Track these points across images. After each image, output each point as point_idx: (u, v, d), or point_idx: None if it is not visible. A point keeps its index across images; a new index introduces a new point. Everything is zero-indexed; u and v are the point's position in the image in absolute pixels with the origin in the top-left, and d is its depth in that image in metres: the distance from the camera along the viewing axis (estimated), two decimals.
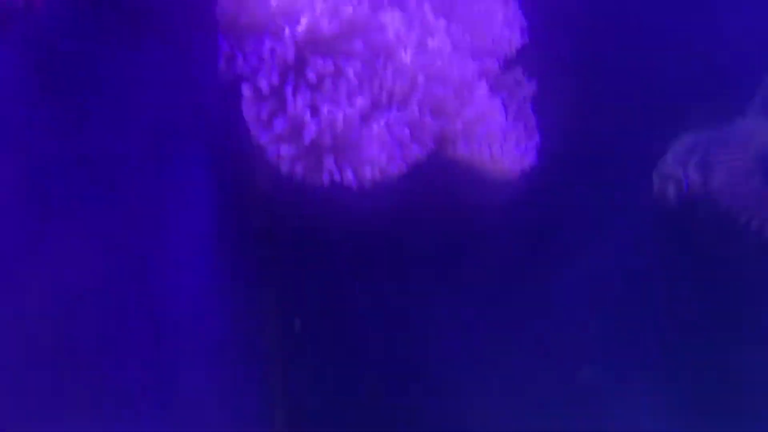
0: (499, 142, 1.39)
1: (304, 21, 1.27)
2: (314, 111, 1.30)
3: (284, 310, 1.45)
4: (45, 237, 1.11)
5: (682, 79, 1.53)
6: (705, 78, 1.53)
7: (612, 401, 1.43)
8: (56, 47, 1.14)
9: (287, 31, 1.27)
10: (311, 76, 1.29)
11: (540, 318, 1.46)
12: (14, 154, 1.10)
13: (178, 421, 1.21)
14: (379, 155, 1.32)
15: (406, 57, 1.34)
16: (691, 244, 1.43)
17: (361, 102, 1.31)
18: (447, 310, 1.47)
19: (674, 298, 1.46)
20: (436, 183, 1.39)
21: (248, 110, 1.27)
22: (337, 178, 1.32)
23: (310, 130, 1.29)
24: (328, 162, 1.32)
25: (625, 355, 1.45)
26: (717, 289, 1.45)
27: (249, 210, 1.43)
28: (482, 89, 1.41)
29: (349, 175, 1.32)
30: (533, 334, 1.47)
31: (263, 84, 1.27)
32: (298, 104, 1.28)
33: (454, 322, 1.48)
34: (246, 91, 1.26)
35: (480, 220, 1.42)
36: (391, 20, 1.35)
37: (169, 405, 1.21)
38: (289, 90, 1.28)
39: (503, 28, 1.47)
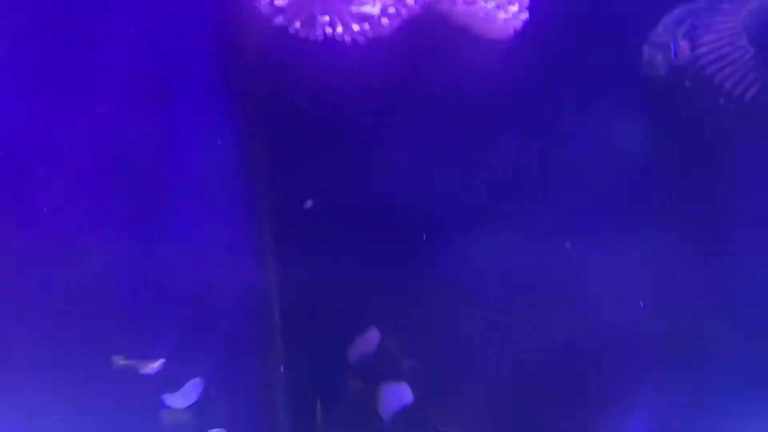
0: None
1: None
2: None
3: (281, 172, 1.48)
4: None
5: None
6: None
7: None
8: None
9: None
10: None
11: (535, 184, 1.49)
12: None
13: None
14: (371, 10, 1.33)
15: None
16: (678, 110, 1.44)
17: None
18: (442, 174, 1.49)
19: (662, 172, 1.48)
20: (429, 39, 1.41)
21: None
22: (330, 33, 1.34)
23: None
24: (321, 17, 1.34)
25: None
26: (703, 163, 1.48)
27: (247, 65, 1.45)
28: None
29: (342, 30, 1.34)
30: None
31: None
32: None
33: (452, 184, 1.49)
34: None
35: (472, 79, 1.43)
36: None
37: None
38: None
39: None
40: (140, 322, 1.39)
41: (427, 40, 1.41)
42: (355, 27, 1.34)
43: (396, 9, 1.34)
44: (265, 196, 1.45)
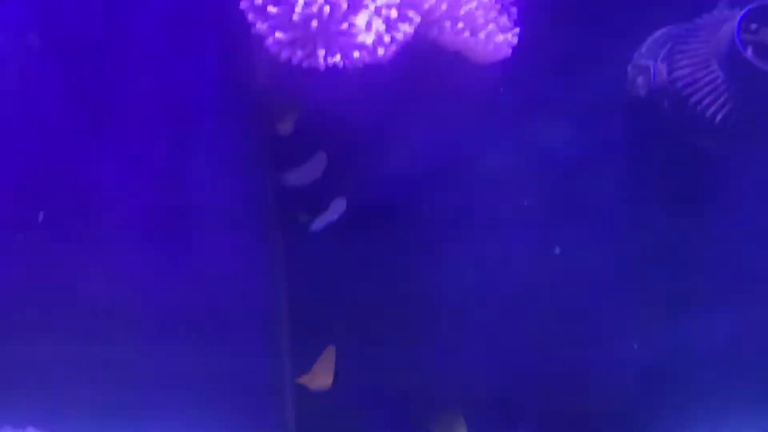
0: (483, 28, 1.51)
1: None
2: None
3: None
4: None
5: None
6: None
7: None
8: None
9: None
10: None
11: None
12: None
13: None
14: (367, 39, 1.45)
15: None
16: (657, 128, 1.55)
17: None
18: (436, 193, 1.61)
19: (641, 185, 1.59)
20: (422, 66, 1.53)
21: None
22: (329, 62, 1.46)
23: (301, 14, 1.42)
24: (320, 47, 1.45)
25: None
26: (680, 176, 1.59)
27: (251, 93, 1.59)
28: None
29: (339, 59, 1.46)
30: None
31: None
32: None
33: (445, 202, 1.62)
34: None
35: (462, 101, 1.55)
36: None
37: None
38: None
39: None
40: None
41: (419, 66, 1.53)
42: (355, 54, 1.46)
43: (391, 38, 1.46)
44: (273, 215, 1.58)
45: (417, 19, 1.45)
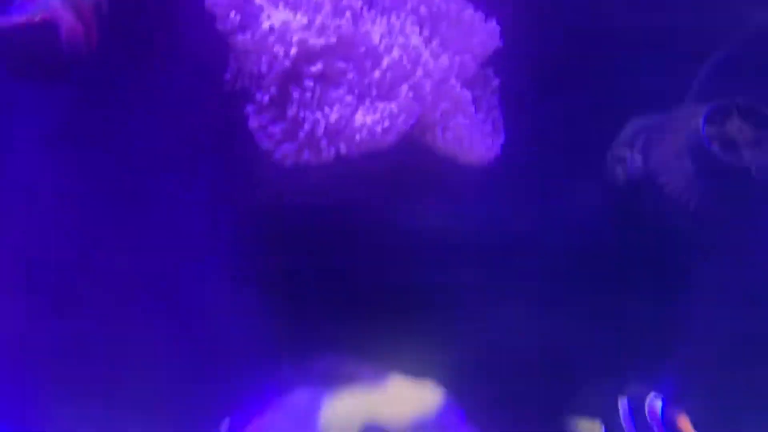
0: (470, 134, 1.64)
1: (295, 39, 1.54)
2: (311, 112, 1.56)
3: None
4: None
5: (633, 69, 1.76)
6: (654, 69, 1.76)
7: None
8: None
9: (281, 50, 1.53)
10: (306, 84, 1.55)
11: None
12: None
13: None
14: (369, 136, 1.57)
15: (391, 56, 1.57)
16: (636, 217, 1.67)
17: (351, 100, 1.57)
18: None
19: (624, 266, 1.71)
20: (417, 165, 1.65)
21: (252, 121, 1.54)
22: (332, 154, 1.58)
23: (307, 128, 1.55)
24: (324, 145, 1.57)
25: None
26: (659, 259, 1.70)
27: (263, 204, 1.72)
28: (457, 86, 1.65)
29: (343, 149, 1.57)
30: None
31: (263, 97, 1.54)
32: (294, 110, 1.55)
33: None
34: (249, 105, 1.54)
35: (453, 201, 1.68)
36: (374, 29, 1.59)
37: None
38: (286, 99, 1.55)
39: (477, 33, 1.70)
40: None
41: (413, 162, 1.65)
42: (357, 140, 1.56)
43: (390, 125, 1.57)
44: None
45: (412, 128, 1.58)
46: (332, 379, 0.72)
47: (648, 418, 1.48)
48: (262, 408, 0.74)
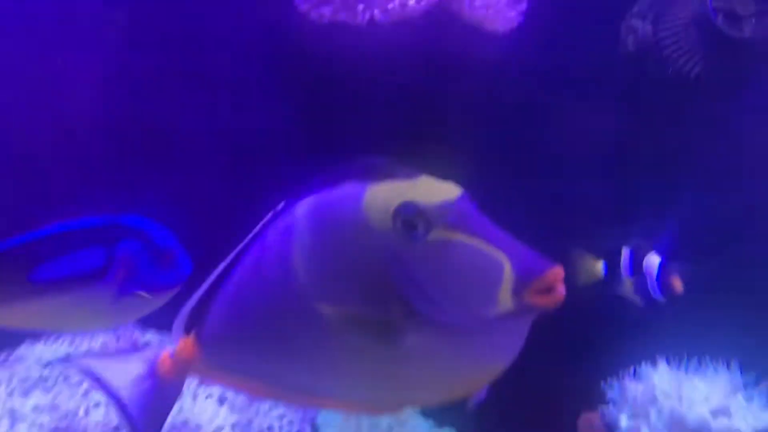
0: (497, 2, 1.78)
1: None
2: None
3: None
4: None
5: None
6: None
7: None
8: None
9: None
10: None
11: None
12: None
13: None
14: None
15: None
16: (643, 81, 1.82)
17: None
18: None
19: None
20: (442, 33, 1.80)
21: None
22: (367, 17, 1.72)
23: None
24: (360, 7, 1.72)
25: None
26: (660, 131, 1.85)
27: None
28: None
29: (377, 14, 1.72)
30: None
31: None
32: None
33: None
34: None
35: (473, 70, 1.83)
36: None
37: None
38: None
39: None
40: None
41: (440, 31, 1.80)
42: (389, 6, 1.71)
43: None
44: None
45: None
46: (373, 174, 0.92)
47: (644, 270, 1.66)
48: (314, 192, 0.95)
